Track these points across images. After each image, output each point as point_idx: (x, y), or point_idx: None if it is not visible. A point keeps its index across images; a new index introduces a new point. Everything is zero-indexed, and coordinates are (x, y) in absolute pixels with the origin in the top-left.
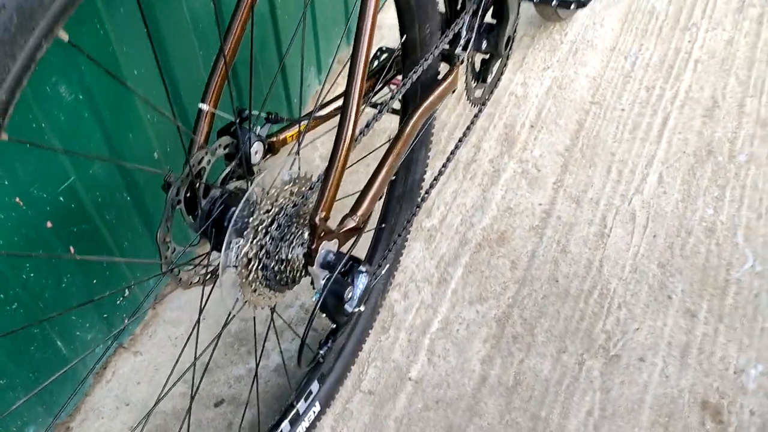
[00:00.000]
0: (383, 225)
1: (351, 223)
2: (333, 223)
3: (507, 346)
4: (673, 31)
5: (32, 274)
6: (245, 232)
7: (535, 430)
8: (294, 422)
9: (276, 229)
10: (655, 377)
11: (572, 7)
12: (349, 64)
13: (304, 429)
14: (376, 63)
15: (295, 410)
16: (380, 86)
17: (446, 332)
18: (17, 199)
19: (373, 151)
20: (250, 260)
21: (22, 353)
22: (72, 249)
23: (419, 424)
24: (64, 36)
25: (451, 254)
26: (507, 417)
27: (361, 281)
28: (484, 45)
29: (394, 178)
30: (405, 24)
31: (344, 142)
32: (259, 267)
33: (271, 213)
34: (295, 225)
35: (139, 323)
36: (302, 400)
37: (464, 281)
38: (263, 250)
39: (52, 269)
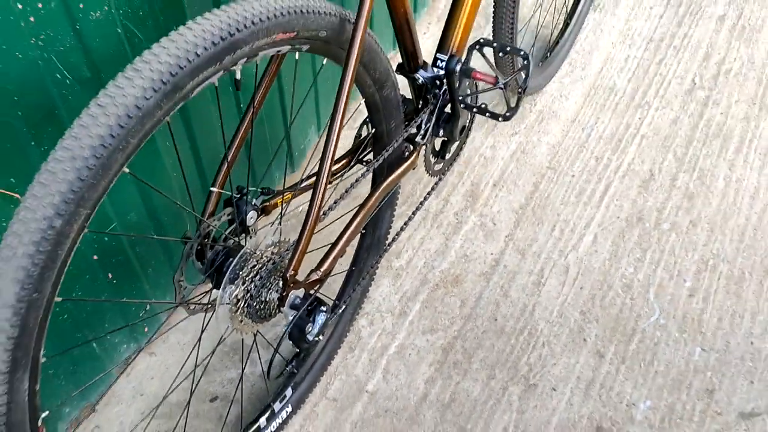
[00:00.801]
0: (353, 268)
1: (315, 276)
2: (303, 275)
3: (448, 371)
4: (627, 108)
5: (80, 293)
6: (236, 281)
7: None
8: (270, 419)
9: (258, 279)
10: (563, 404)
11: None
12: (321, 152)
13: (277, 425)
14: (364, 130)
15: (271, 409)
16: (353, 164)
17: (400, 355)
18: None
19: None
20: (238, 300)
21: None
22: (110, 275)
23: (370, 428)
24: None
25: (413, 291)
26: (440, 427)
27: (320, 319)
28: (441, 132)
29: (363, 231)
30: (374, 120)
31: (312, 217)
32: (245, 305)
33: (256, 267)
34: (272, 276)
35: (155, 330)
36: (278, 401)
37: (420, 314)
38: (248, 294)
39: (95, 290)
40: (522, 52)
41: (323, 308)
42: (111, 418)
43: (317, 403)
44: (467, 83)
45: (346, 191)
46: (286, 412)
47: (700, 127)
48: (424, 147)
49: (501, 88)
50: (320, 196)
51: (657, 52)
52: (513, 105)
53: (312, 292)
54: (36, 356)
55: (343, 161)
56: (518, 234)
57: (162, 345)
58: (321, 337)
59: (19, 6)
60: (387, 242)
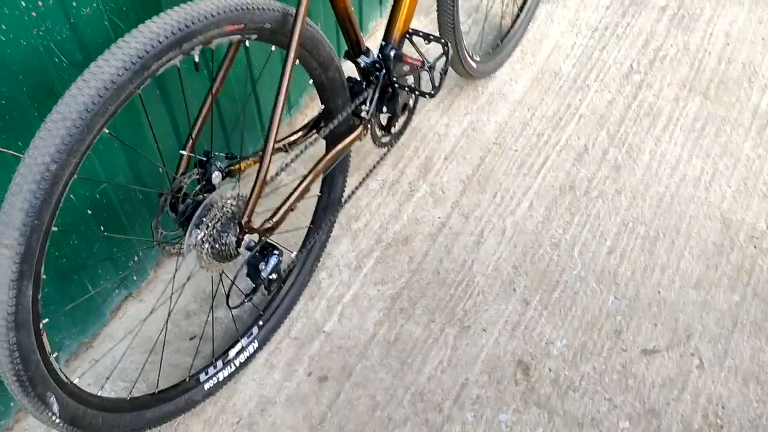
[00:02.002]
0: (312, 226)
1: (267, 225)
2: (258, 223)
3: (394, 315)
4: (569, 90)
5: (76, 242)
6: (200, 226)
7: (402, 370)
8: (238, 353)
9: (219, 225)
10: (491, 342)
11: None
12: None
13: (245, 357)
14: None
15: (240, 344)
16: (302, 134)
17: (354, 303)
18: (72, 196)
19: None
20: (203, 242)
21: (66, 292)
22: (102, 228)
23: (325, 361)
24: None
25: (368, 249)
26: (384, 361)
27: (272, 260)
28: (384, 109)
29: (320, 195)
30: (323, 98)
31: (262, 173)
32: (208, 246)
33: (217, 215)
34: (231, 223)
35: (143, 281)
36: (245, 338)
37: (373, 269)
38: (211, 237)
39: (89, 241)
40: (442, 41)
41: (276, 252)
42: (104, 352)
43: (281, 341)
44: (401, 66)
45: (297, 156)
46: (253, 347)
47: (632, 107)
48: (370, 122)
49: (426, 71)
50: (268, 157)
51: (601, 40)
52: (437, 85)
53: (264, 237)
54: (38, 271)
55: (301, 132)
56: (463, 201)
57: (149, 293)
58: (274, 276)
59: (23, 3)
60: (340, 203)
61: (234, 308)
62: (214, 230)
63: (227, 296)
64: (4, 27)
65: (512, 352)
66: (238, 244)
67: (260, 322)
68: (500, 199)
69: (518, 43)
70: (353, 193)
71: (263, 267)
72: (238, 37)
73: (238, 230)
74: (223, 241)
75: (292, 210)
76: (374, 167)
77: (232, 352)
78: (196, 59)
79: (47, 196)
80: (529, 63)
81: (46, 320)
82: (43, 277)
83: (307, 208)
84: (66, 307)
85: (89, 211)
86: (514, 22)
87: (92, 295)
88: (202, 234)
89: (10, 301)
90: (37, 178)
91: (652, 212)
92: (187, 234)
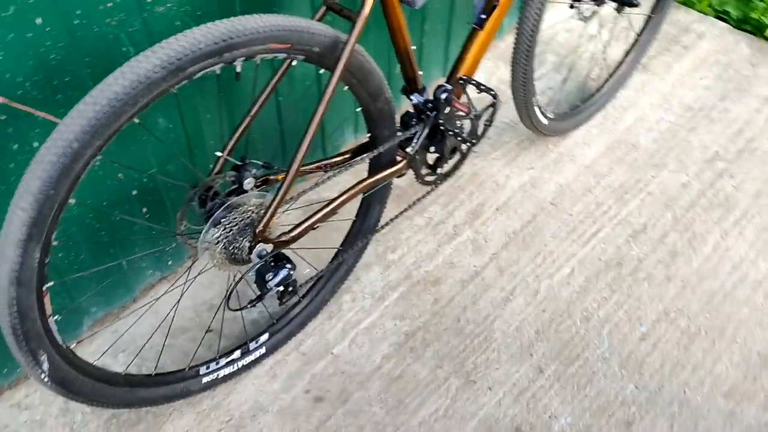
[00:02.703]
0: (341, 248)
1: (284, 237)
2: (275, 235)
3: (404, 353)
4: (644, 165)
5: (119, 220)
6: (218, 226)
7: (397, 409)
8: (244, 354)
9: (236, 228)
10: (492, 402)
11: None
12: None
13: (249, 361)
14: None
15: (246, 346)
16: (346, 158)
17: (369, 331)
18: (120, 175)
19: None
20: (217, 241)
21: (100, 261)
22: (144, 209)
23: (325, 382)
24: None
25: (396, 282)
26: (382, 395)
27: (282, 272)
28: (432, 149)
29: (355, 219)
30: (369, 126)
31: (283, 188)
32: (222, 247)
33: (237, 219)
34: (248, 228)
35: (179, 266)
36: (254, 342)
37: (396, 302)
38: (226, 238)
39: (131, 221)
40: (492, 92)
41: (288, 265)
42: (127, 326)
43: (289, 353)
44: (449, 110)
45: (328, 178)
46: (260, 352)
47: (707, 194)
48: (414, 158)
49: (471, 119)
50: (292, 173)
51: (691, 120)
52: (479, 134)
53: (278, 249)
54: (48, 237)
55: (346, 155)
56: (503, 254)
57: (182, 279)
58: (281, 288)
59: None
60: (373, 232)
61: (233, 311)
62: (231, 232)
63: (227, 298)
64: (79, 12)
65: (512, 417)
66: (250, 250)
67: (272, 331)
68: (541, 260)
69: (601, 108)
70: (388, 223)
71: (270, 277)
72: (284, 55)
73: (252, 237)
74: (237, 245)
75: (314, 228)
76: (414, 203)
77: (237, 353)
78: (238, 69)
79: (65, 170)
80: (608, 130)
81: (51, 283)
82: (54, 243)
83: (344, 229)
84: (99, 279)
85: (134, 192)
86: (600, 87)
87: (125, 271)
88: (218, 234)
89: (16, 259)
90: (59, 152)
91: (700, 307)
92: (204, 230)
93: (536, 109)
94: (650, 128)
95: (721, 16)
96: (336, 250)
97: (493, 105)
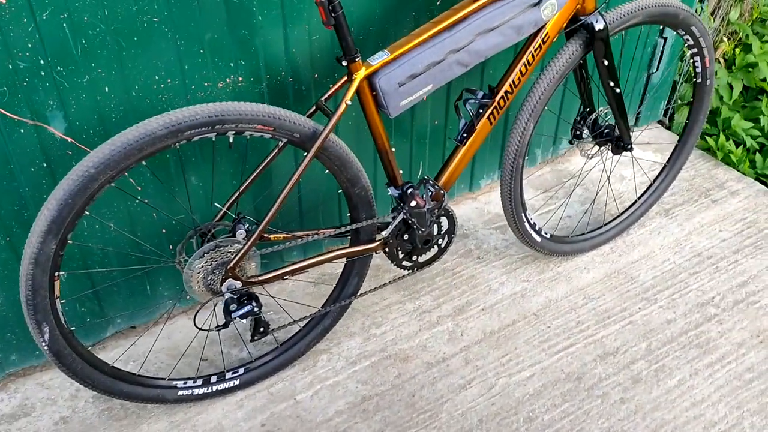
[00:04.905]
0: (320, 309)
1: (252, 279)
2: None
3: (355, 412)
4: (634, 297)
5: (146, 252)
6: (200, 258)
7: None
8: (219, 380)
9: (213, 264)
10: None
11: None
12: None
13: (224, 387)
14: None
15: (223, 374)
16: (331, 230)
17: (332, 388)
18: (154, 215)
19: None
20: (199, 270)
21: (128, 284)
22: (171, 246)
23: (281, 422)
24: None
25: (371, 352)
26: None
27: (245, 307)
28: (405, 239)
29: (335, 286)
30: (349, 207)
31: (248, 244)
32: (200, 276)
33: (215, 258)
34: (223, 266)
35: (195, 302)
36: (231, 372)
37: (364, 369)
38: (204, 269)
39: (159, 254)
40: (442, 191)
41: (254, 303)
42: (143, 342)
43: (259, 390)
44: (414, 204)
45: (295, 242)
46: (233, 383)
47: (688, 334)
48: (387, 243)
49: (425, 212)
50: (258, 231)
51: (697, 266)
52: (434, 234)
53: (246, 287)
54: (65, 235)
55: (332, 229)
56: (474, 348)
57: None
58: (246, 321)
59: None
60: (349, 301)
61: (200, 330)
62: (210, 265)
63: (194, 317)
64: (137, 87)
65: None
66: (221, 283)
67: (248, 367)
68: (507, 360)
69: (608, 240)
70: (362, 294)
71: (234, 308)
72: (269, 136)
73: (223, 272)
74: (212, 277)
75: (283, 279)
76: (387, 283)
77: (213, 378)
78: (231, 140)
79: (82, 187)
80: (611, 260)
81: (63, 273)
82: (69, 242)
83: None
84: (125, 295)
85: (164, 230)
86: (608, 222)
87: (148, 294)
88: (201, 264)
89: (37, 244)
90: (79, 174)
91: None
92: (191, 259)
93: (526, 225)
94: (653, 266)
95: (762, 179)
96: (316, 311)
97: (442, 204)
